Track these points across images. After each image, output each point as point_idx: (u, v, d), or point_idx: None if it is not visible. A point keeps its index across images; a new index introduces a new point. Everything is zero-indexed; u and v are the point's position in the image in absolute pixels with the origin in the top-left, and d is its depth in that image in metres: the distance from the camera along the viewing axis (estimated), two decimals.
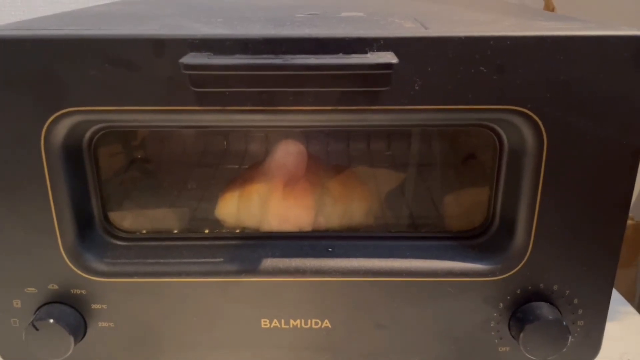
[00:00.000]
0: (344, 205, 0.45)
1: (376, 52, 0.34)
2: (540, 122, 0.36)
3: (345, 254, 0.41)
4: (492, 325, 0.42)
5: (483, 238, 0.42)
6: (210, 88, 0.34)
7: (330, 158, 0.51)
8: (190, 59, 0.33)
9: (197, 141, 0.51)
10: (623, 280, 0.89)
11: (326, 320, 0.42)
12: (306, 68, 0.32)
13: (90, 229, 0.41)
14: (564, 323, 0.39)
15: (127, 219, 0.43)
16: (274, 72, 0.33)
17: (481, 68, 0.34)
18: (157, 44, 0.34)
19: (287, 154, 0.47)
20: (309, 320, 0.42)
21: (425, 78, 0.34)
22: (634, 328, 0.51)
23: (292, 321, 0.42)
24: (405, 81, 0.34)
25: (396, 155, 0.50)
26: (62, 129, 0.36)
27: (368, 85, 0.34)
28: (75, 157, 0.38)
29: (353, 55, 0.34)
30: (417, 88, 0.35)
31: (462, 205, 0.44)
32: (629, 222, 0.94)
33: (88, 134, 0.38)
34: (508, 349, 0.42)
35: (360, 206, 0.45)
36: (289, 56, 0.33)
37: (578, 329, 0.41)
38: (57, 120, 0.36)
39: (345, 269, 0.40)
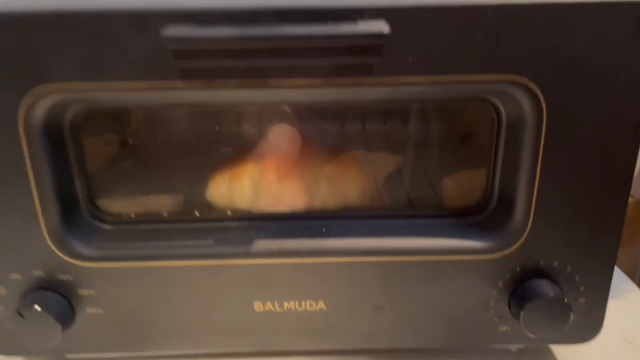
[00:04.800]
0: (338, 185, 0.44)
1: (367, 21, 0.32)
2: (539, 93, 0.34)
3: (340, 234, 0.40)
4: (491, 304, 0.40)
5: (481, 215, 0.40)
6: (194, 61, 0.32)
7: (324, 139, 0.49)
8: (172, 31, 0.31)
9: (188, 122, 0.49)
10: (623, 259, 0.89)
11: (321, 302, 0.41)
12: (294, 39, 0.31)
13: (75, 213, 0.39)
14: (565, 300, 0.38)
15: (114, 202, 0.42)
16: (261, 43, 0.31)
17: (477, 37, 0.33)
18: (138, 17, 0.32)
19: (279, 135, 0.45)
20: (304, 302, 0.41)
21: (419, 48, 0.33)
22: (636, 306, 0.50)
23: (286, 304, 0.41)
24: (398, 51, 0.33)
25: (392, 135, 0.48)
26: (41, 109, 0.35)
27: (359, 56, 0.33)
28: (56, 138, 0.37)
29: (343, 24, 0.32)
30: (410, 58, 0.33)
31: (460, 184, 0.43)
32: (630, 200, 0.93)
33: (69, 114, 0.36)
34: (508, 328, 0.41)
35: (355, 186, 0.44)
36: (276, 27, 0.31)
37: (579, 307, 0.40)
38: (35, 99, 0.34)
39: (340, 249, 0.39)
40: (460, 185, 0.43)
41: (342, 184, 0.44)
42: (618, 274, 0.55)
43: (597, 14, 0.32)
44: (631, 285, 0.53)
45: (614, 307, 0.45)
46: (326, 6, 0.32)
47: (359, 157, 0.46)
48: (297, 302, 0.41)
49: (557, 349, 0.46)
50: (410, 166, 0.45)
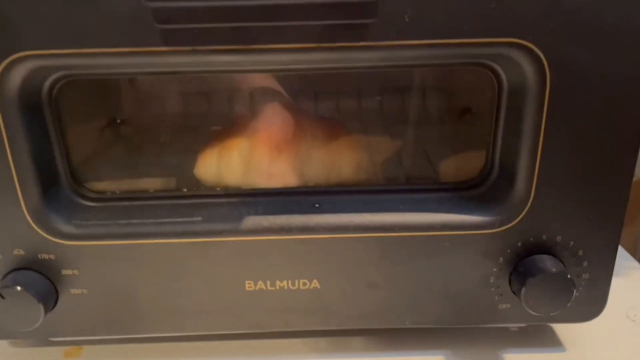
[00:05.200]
0: (331, 160, 0.42)
1: None
2: (542, 56, 0.32)
3: (333, 209, 0.38)
4: (491, 281, 0.39)
5: (481, 188, 0.39)
6: (177, 24, 0.30)
7: (318, 113, 0.48)
8: None
9: (176, 95, 0.47)
10: (625, 239, 0.87)
11: (315, 281, 0.39)
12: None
13: (56, 189, 0.37)
14: (569, 276, 0.37)
15: (97, 177, 0.40)
16: (247, 2, 0.29)
17: None
18: None
19: (271, 110, 0.43)
20: (297, 281, 0.39)
21: (416, 8, 0.31)
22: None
23: (278, 282, 0.39)
24: (394, 12, 0.31)
25: (388, 108, 0.46)
26: (16, 77, 0.33)
27: (353, 18, 0.31)
28: (34, 108, 0.35)
29: None
30: (407, 20, 0.31)
31: (459, 156, 0.41)
32: None
33: (47, 83, 0.35)
34: (509, 306, 0.40)
35: (349, 160, 0.42)
36: None
37: (583, 283, 0.39)
38: (10, 66, 0.32)
39: (334, 225, 0.38)
40: (459, 158, 0.41)
41: (336, 159, 0.42)
42: (620, 251, 0.54)
43: None
44: (634, 262, 0.51)
45: (616, 284, 0.43)
46: None
47: (353, 131, 0.44)
48: (289, 281, 0.39)
49: (559, 328, 0.44)
50: (408, 139, 0.43)
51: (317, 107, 0.44)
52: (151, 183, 0.42)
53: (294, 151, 0.41)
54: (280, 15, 0.30)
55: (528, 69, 0.33)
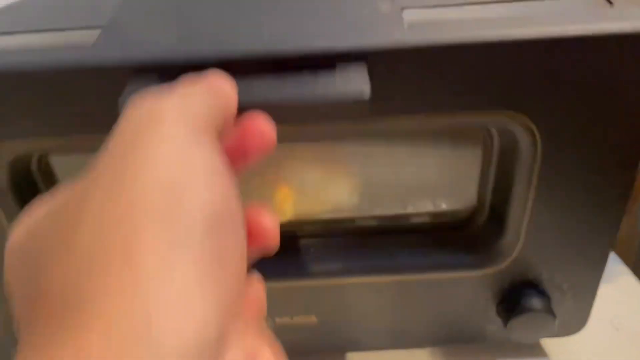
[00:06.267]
0: (327, 202, 0.42)
1: (346, 67, 0.29)
2: (534, 127, 0.32)
3: (328, 254, 0.40)
4: (481, 312, 0.41)
5: (472, 232, 0.39)
6: None
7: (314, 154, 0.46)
8: (134, 88, 0.28)
9: None
10: (621, 227, 0.85)
11: (312, 316, 0.41)
12: (264, 104, 0.28)
13: None
14: (551, 310, 0.39)
15: None
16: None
17: (469, 72, 0.30)
18: (101, 72, 0.29)
19: None
20: (295, 317, 0.41)
21: (405, 87, 0.30)
22: (627, 290, 0.50)
23: (277, 319, 0.41)
24: (385, 93, 0.30)
25: (382, 151, 0.45)
26: (4, 161, 0.33)
27: (343, 110, 0.29)
28: (27, 184, 0.35)
29: (320, 72, 0.29)
30: (399, 98, 0.30)
31: (451, 201, 0.41)
32: None
33: (35, 159, 0.35)
34: (496, 327, 0.42)
35: (345, 203, 0.42)
36: (244, 81, 0.28)
37: (565, 308, 0.40)
38: None
39: (328, 270, 0.39)
40: (451, 203, 0.41)
41: (331, 201, 0.42)
42: (611, 256, 0.55)
43: (591, 45, 0.29)
44: (623, 267, 0.53)
45: (603, 291, 0.45)
46: (300, 54, 0.29)
47: (348, 172, 0.44)
48: (288, 318, 0.41)
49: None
50: (404, 181, 0.42)
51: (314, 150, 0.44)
52: None
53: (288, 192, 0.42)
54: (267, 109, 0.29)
55: (520, 136, 0.33)
